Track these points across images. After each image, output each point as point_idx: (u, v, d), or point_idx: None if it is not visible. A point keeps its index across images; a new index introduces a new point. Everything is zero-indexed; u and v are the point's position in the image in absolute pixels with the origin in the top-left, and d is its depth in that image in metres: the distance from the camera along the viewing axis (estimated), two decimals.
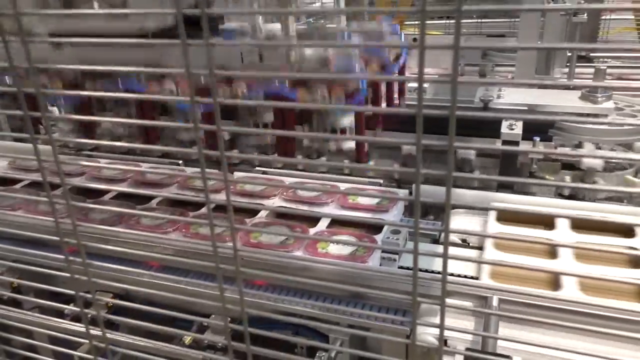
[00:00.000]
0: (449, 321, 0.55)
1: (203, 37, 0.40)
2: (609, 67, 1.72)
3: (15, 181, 1.64)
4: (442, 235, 1.02)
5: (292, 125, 1.42)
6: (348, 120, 1.46)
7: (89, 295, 0.63)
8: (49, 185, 0.60)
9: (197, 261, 0.83)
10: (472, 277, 1.06)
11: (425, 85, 1.67)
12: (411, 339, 0.47)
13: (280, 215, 1.41)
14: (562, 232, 1.18)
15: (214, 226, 0.50)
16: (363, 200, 1.37)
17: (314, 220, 1.32)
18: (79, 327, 0.90)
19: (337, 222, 1.34)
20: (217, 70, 0.42)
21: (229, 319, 1.03)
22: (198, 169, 1.50)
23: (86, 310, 0.66)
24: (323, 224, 1.30)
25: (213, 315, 1.06)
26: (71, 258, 0.58)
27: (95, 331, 0.67)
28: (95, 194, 1.52)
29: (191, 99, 0.47)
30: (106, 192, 1.51)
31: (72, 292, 0.94)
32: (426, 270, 1.05)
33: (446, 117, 0.36)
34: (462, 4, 0.33)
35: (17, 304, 1.18)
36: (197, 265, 0.96)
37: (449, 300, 0.51)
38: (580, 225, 1.19)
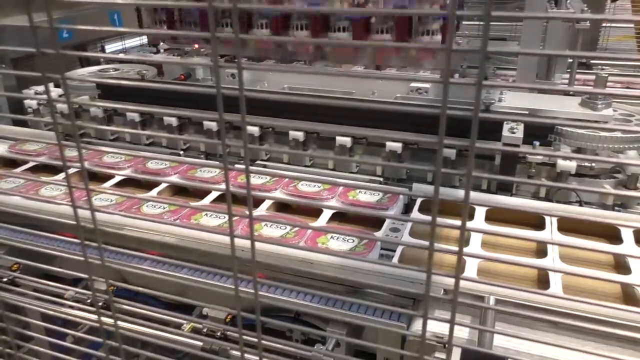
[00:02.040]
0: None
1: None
2: (609, 74, 1.74)
3: (14, 165, 1.64)
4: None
5: None
6: None
7: (101, 279, 0.64)
8: (53, 170, 0.61)
9: (213, 250, 0.84)
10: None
11: (427, 85, 1.69)
12: (422, 334, 0.48)
13: (281, 210, 1.42)
14: (550, 234, 1.21)
15: (232, 216, 0.51)
16: (363, 198, 1.39)
17: (314, 216, 1.33)
18: (89, 314, 0.91)
19: (337, 219, 1.35)
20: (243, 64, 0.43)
21: (227, 310, 1.05)
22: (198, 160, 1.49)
23: (98, 295, 0.67)
24: (323, 220, 1.31)
25: (211, 306, 1.07)
26: (87, 242, 0.59)
27: (105, 318, 0.68)
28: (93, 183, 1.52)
29: (220, 118, 0.47)
30: (107, 180, 1.52)
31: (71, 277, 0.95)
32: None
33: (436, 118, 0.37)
34: (491, 8, 0.34)
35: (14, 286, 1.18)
36: (211, 254, 0.97)
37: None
38: (568, 227, 1.23)
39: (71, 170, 0.60)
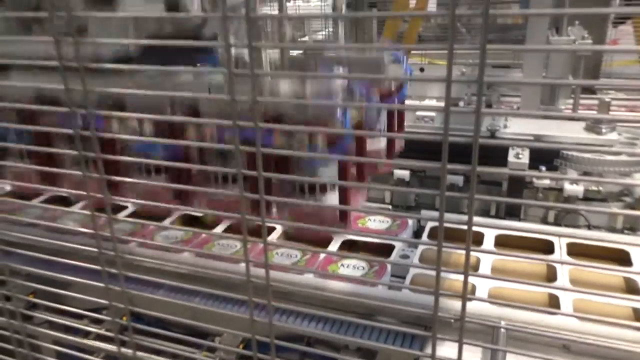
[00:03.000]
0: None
1: (249, 67, 0.44)
2: (612, 98, 1.77)
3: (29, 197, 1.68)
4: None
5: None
6: (331, 172, 1.12)
7: (121, 305, 0.66)
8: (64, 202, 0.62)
9: (228, 274, 0.86)
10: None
11: (433, 113, 1.72)
12: (432, 355, 0.50)
13: (291, 239, 1.44)
14: (559, 258, 1.22)
15: (247, 241, 0.53)
16: (372, 225, 1.40)
17: (323, 244, 1.34)
18: (109, 346, 0.92)
19: (346, 248, 1.36)
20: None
21: (241, 337, 1.06)
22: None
23: (117, 320, 0.69)
24: (333, 248, 1.33)
25: (225, 334, 1.08)
26: (107, 268, 0.61)
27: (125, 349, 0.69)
28: None
29: (235, 144, 0.50)
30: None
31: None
32: None
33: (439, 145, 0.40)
34: (486, 41, 0.36)
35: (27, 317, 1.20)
36: (226, 282, 0.98)
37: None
38: (577, 252, 1.23)
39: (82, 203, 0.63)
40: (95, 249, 0.61)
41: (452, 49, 0.36)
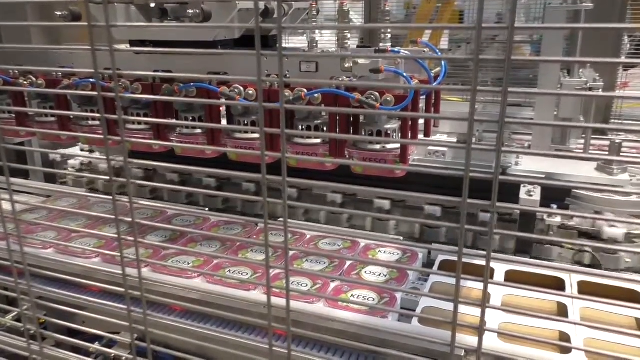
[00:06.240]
0: None
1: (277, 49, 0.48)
2: (623, 140, 1.78)
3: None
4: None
5: (344, 124, 1.29)
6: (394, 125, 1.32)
7: (142, 328, 0.67)
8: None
9: (247, 302, 0.86)
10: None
11: (445, 149, 1.74)
12: None
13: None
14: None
15: (270, 267, 0.54)
16: (383, 257, 1.41)
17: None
18: None
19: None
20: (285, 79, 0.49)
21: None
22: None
23: (139, 343, 0.70)
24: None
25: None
26: (130, 291, 0.63)
27: None
28: None
29: (260, 103, 0.53)
30: None
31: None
32: None
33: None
34: (507, 86, 0.39)
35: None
36: (240, 311, 0.99)
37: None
38: (588, 292, 1.23)
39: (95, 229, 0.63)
40: (119, 273, 0.62)
41: (476, 91, 0.38)
